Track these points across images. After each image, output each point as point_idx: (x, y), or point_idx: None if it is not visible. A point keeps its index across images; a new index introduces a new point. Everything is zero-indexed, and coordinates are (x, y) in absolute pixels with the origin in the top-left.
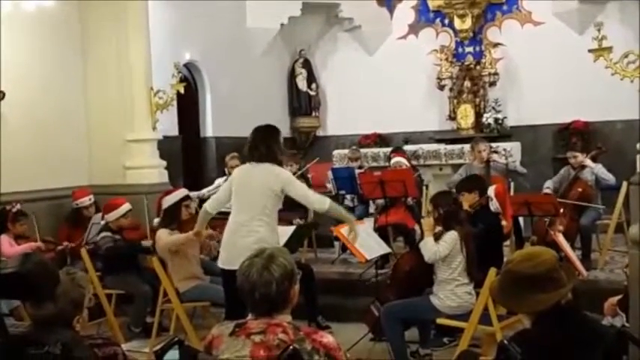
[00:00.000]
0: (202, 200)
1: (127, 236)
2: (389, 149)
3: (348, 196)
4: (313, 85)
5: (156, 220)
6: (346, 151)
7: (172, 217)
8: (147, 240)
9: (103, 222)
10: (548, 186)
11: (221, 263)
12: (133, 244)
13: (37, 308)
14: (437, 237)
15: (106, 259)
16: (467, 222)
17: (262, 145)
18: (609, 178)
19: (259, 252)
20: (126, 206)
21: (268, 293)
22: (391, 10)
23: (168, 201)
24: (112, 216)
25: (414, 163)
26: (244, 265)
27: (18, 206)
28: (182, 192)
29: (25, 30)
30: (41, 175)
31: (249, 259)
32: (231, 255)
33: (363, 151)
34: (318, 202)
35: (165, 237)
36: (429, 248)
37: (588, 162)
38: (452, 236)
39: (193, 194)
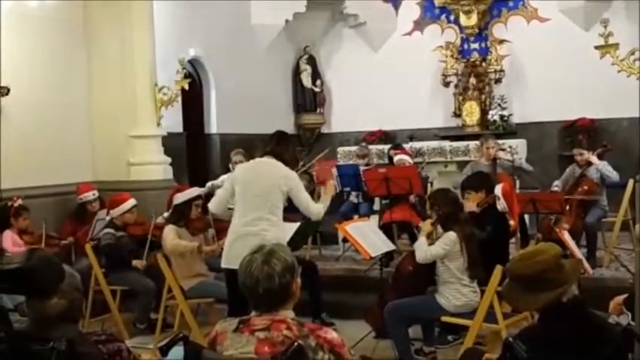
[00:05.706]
0: (209, 195)
1: (132, 232)
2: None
3: (353, 193)
4: (318, 82)
5: (165, 214)
6: (351, 148)
7: (182, 215)
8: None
9: (108, 217)
10: (557, 184)
11: (225, 262)
12: (131, 245)
13: (42, 304)
14: (434, 240)
15: (107, 256)
16: (468, 222)
17: (272, 142)
18: (613, 175)
19: (258, 248)
20: (131, 202)
21: (271, 287)
22: (396, 7)
23: (180, 198)
24: (117, 211)
25: (418, 160)
26: (245, 262)
27: (19, 201)
28: (195, 191)
29: (29, 26)
30: (45, 171)
31: (249, 256)
32: (236, 254)
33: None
34: (316, 212)
35: (169, 239)
36: (420, 248)
37: (594, 159)
38: (450, 237)
39: (202, 190)
